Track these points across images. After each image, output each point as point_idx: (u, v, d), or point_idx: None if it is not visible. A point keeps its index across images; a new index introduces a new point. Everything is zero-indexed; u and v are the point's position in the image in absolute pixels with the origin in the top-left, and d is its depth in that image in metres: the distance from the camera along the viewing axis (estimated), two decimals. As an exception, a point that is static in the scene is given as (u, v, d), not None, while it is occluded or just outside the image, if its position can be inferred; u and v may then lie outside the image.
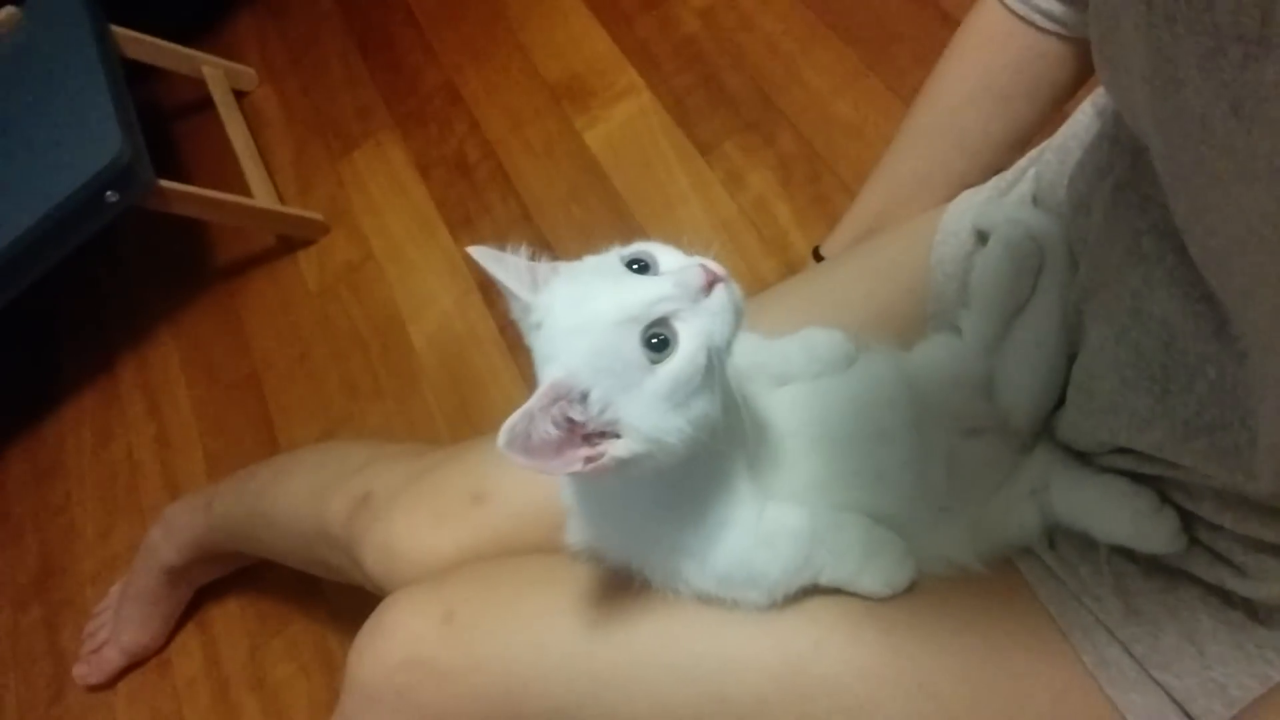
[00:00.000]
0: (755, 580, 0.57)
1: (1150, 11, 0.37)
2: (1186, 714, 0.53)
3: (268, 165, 1.65)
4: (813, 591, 0.59)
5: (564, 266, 0.53)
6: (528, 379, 0.51)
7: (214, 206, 1.44)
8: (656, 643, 0.60)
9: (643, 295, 0.49)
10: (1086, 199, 0.57)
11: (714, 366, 0.49)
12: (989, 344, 0.63)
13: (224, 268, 1.61)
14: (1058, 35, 0.71)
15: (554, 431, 0.46)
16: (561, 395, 0.47)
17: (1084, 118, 0.62)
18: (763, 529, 0.57)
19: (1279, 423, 0.43)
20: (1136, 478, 0.55)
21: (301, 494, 0.88)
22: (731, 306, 0.50)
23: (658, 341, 0.48)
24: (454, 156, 1.54)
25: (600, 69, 1.50)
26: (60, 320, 1.70)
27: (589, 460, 0.47)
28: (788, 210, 1.26)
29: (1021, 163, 0.72)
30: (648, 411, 0.48)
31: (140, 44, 1.60)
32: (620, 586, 0.60)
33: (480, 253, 0.51)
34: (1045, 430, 0.61)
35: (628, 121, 1.43)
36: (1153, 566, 0.56)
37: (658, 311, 0.48)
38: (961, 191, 0.76)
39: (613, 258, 0.52)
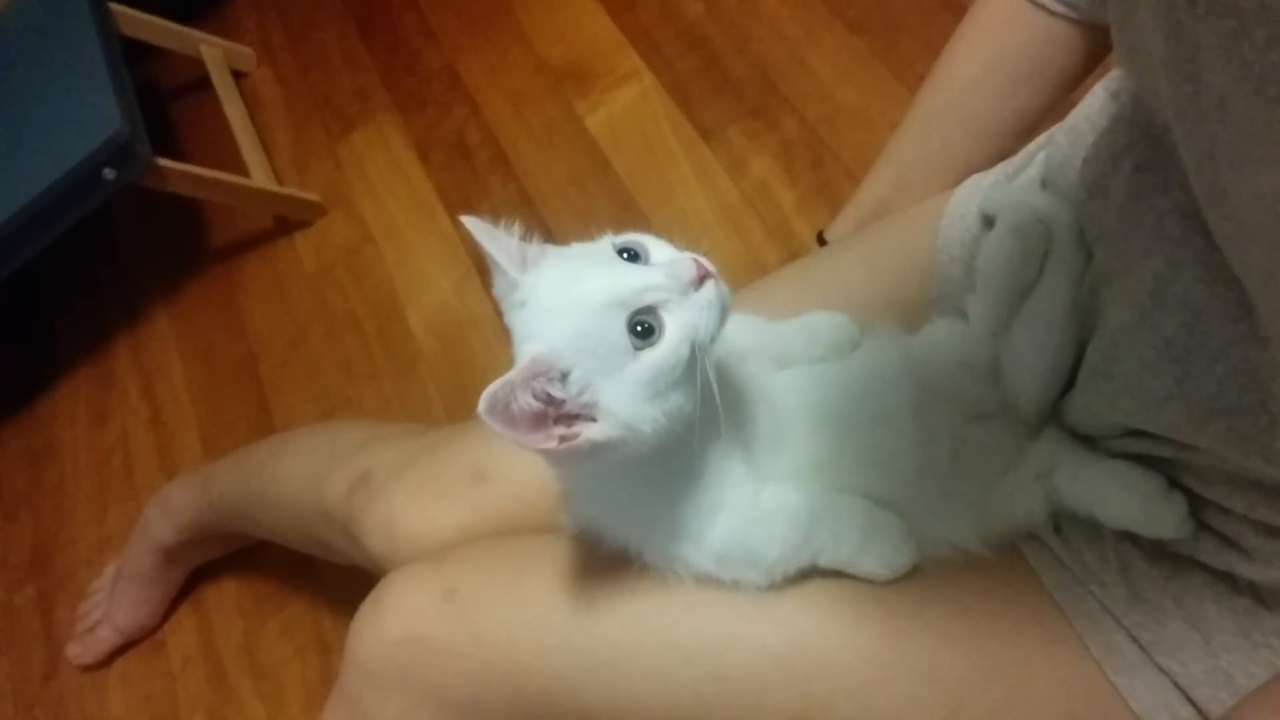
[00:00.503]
0: (753, 560, 0.57)
1: None
2: (1191, 701, 0.53)
3: (265, 146, 1.64)
4: (815, 575, 0.59)
5: (553, 250, 0.53)
6: (518, 363, 0.51)
7: (211, 186, 1.43)
8: (657, 623, 0.60)
9: (633, 282, 0.49)
10: (1103, 182, 0.57)
11: (695, 360, 0.49)
12: (995, 328, 0.63)
13: (221, 249, 1.60)
14: (1067, 19, 0.71)
15: (533, 404, 0.47)
16: (541, 371, 0.47)
17: (1096, 101, 0.61)
18: (760, 508, 0.57)
19: None
20: (1147, 461, 0.55)
21: (300, 473, 0.88)
22: (719, 303, 0.51)
23: (643, 329, 0.49)
24: (454, 139, 1.53)
25: (602, 53, 1.49)
26: (56, 300, 1.69)
27: (563, 440, 0.48)
28: (790, 197, 1.26)
29: (1030, 148, 0.71)
30: (625, 397, 0.49)
31: (138, 22, 1.59)
32: (620, 566, 0.60)
33: (474, 223, 0.52)
34: (1052, 415, 0.61)
35: (629, 106, 1.43)
36: (1159, 553, 0.56)
37: (646, 299, 0.49)
38: (968, 176, 0.75)
39: (605, 244, 0.53)
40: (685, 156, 1.35)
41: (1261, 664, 0.52)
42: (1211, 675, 0.53)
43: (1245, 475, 0.49)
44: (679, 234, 0.55)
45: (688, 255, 0.51)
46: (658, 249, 0.53)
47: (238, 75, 1.75)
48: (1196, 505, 0.54)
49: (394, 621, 0.65)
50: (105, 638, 1.23)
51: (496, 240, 0.52)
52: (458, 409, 1.30)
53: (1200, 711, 0.53)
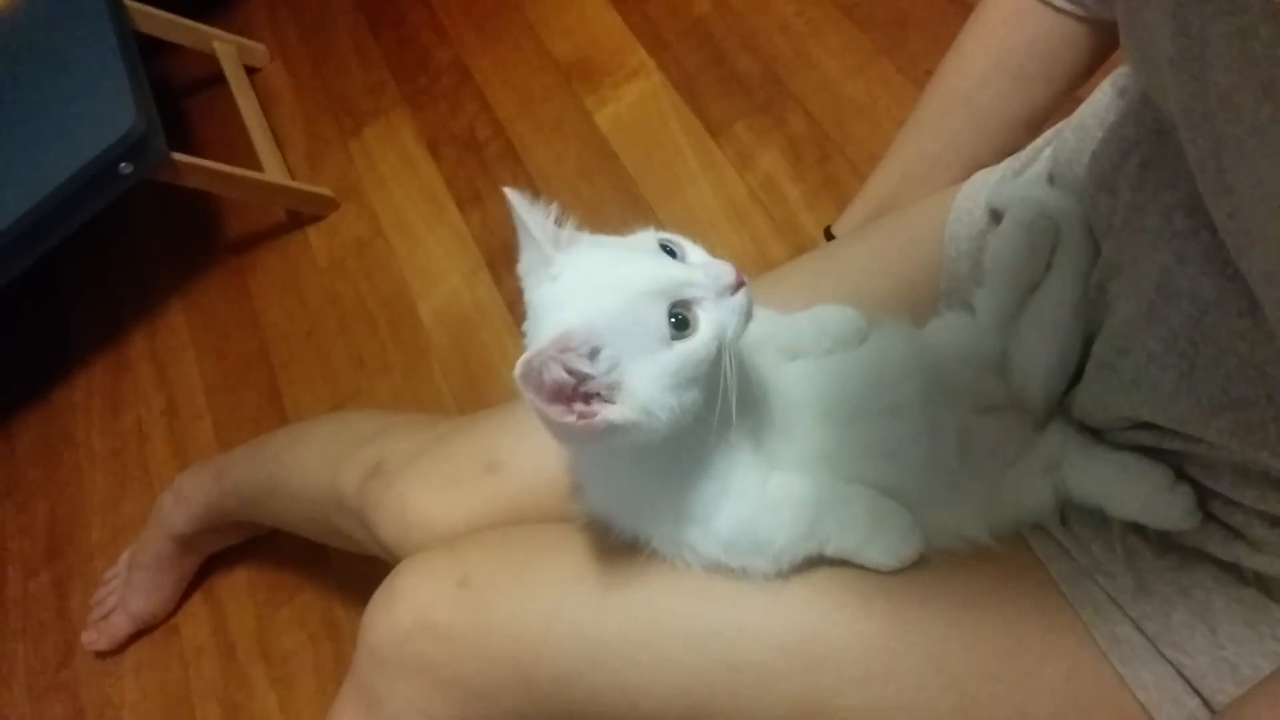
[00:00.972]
0: (760, 547, 0.58)
1: None
2: (1197, 692, 0.54)
3: (278, 141, 1.65)
4: (823, 565, 0.60)
5: (587, 235, 0.55)
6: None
7: (226, 180, 1.44)
8: (667, 611, 0.61)
9: (678, 275, 0.52)
10: (1110, 177, 0.57)
11: (718, 361, 0.51)
12: (1003, 321, 0.63)
13: (235, 242, 1.62)
14: (1074, 16, 0.71)
15: (564, 377, 0.48)
16: (571, 345, 0.48)
17: (1103, 97, 0.62)
18: (767, 496, 0.58)
19: None
20: (1154, 454, 0.55)
21: (314, 462, 0.88)
22: (748, 310, 0.53)
23: (677, 321, 0.51)
24: (464, 134, 1.54)
25: (611, 49, 1.49)
26: (72, 291, 1.70)
27: (581, 416, 0.49)
28: (797, 192, 1.26)
29: (1037, 143, 0.72)
30: (650, 382, 0.50)
31: (153, 19, 1.60)
32: (631, 555, 0.61)
33: (514, 195, 0.53)
34: (1059, 407, 0.61)
35: (638, 102, 1.43)
36: (1166, 545, 0.56)
37: (687, 294, 0.51)
38: (975, 172, 0.76)
39: (649, 236, 0.55)
40: (693, 152, 1.35)
41: (1267, 655, 0.52)
42: (1217, 666, 0.53)
43: (1252, 467, 0.50)
44: (687, 229, 0.57)
45: (726, 261, 0.54)
46: (693, 251, 0.55)
47: (251, 71, 1.76)
48: (1203, 497, 0.54)
49: (407, 609, 0.66)
50: (120, 624, 1.25)
51: (534, 214, 0.53)
52: (468, 400, 1.30)
53: (1206, 702, 0.53)
